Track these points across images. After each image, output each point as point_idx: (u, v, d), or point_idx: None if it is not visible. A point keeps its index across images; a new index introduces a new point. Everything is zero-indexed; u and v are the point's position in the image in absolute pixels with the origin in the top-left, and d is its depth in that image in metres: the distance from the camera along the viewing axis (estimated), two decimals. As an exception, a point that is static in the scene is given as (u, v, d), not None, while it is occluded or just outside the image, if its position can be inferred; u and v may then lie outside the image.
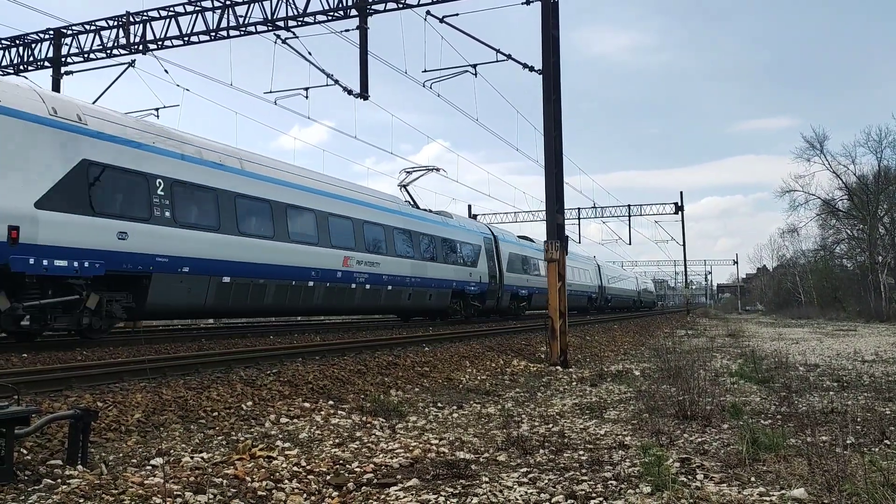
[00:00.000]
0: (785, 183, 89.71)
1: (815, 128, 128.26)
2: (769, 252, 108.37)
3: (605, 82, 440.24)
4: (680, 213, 54.52)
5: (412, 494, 4.62)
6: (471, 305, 27.68)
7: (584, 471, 5.24)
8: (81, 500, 4.28)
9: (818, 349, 18.33)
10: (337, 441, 6.41)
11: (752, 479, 4.92)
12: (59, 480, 4.66)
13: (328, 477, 5.05)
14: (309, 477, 5.03)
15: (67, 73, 21.68)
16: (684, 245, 61.05)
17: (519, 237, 36.94)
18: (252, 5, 18.82)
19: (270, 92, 19.70)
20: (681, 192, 56.59)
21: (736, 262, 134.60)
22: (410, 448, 6.01)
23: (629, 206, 54.50)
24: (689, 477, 4.99)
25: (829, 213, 59.53)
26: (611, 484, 4.83)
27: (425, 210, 26.47)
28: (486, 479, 4.98)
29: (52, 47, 21.48)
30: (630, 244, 58.18)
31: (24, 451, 5.20)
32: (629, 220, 54.37)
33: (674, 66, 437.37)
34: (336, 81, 18.86)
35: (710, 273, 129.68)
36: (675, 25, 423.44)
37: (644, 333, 27.83)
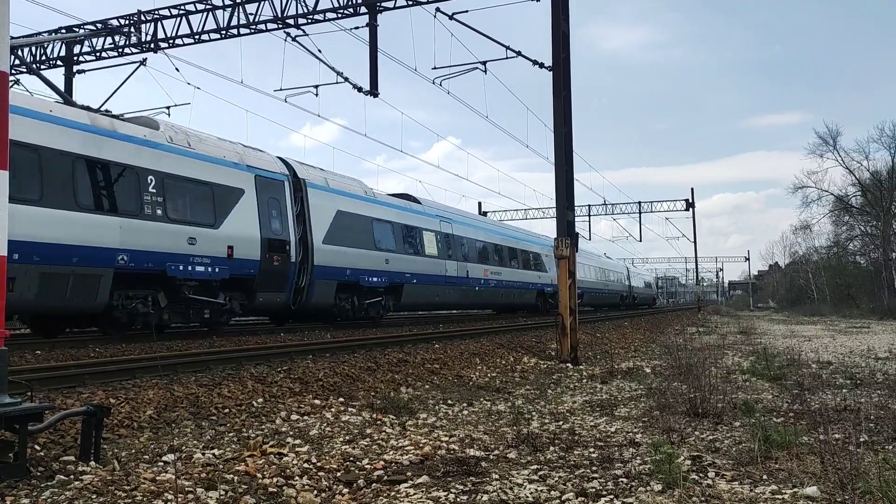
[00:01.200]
0: (797, 179, 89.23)
1: (828, 123, 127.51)
2: (781, 249, 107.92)
3: (616, 78, 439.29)
4: (691, 209, 54.36)
5: (422, 491, 4.62)
6: (195, 302, 14.81)
7: (594, 468, 5.23)
8: (94, 496, 4.31)
9: (831, 346, 18.21)
10: (347, 438, 6.42)
11: (765, 477, 4.89)
12: (71, 476, 4.69)
13: (338, 474, 5.06)
14: (319, 474, 5.05)
15: (80, 71, 21.83)
16: (695, 242, 60.96)
17: (392, 195, 23.84)
18: (262, 3, 18.88)
19: (280, 90, 19.77)
20: (692, 189, 56.55)
21: (748, 259, 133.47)
22: (420, 445, 6.02)
23: (640, 202, 54.35)
24: (701, 475, 4.96)
25: (842, 209, 59.16)
26: (621, 481, 4.82)
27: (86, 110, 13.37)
28: (497, 477, 4.97)
29: (64, 46, 21.62)
30: (641, 241, 57.88)
31: (38, 448, 5.24)
32: (640, 216, 54.25)
33: (685, 62, 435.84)
34: (346, 79, 18.90)
35: (722, 270, 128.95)
36: (687, 21, 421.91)
37: (655, 331, 27.74)
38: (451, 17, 17.74)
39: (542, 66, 17.14)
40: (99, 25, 20.91)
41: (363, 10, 18.06)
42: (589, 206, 54.82)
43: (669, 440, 6.10)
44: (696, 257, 65.48)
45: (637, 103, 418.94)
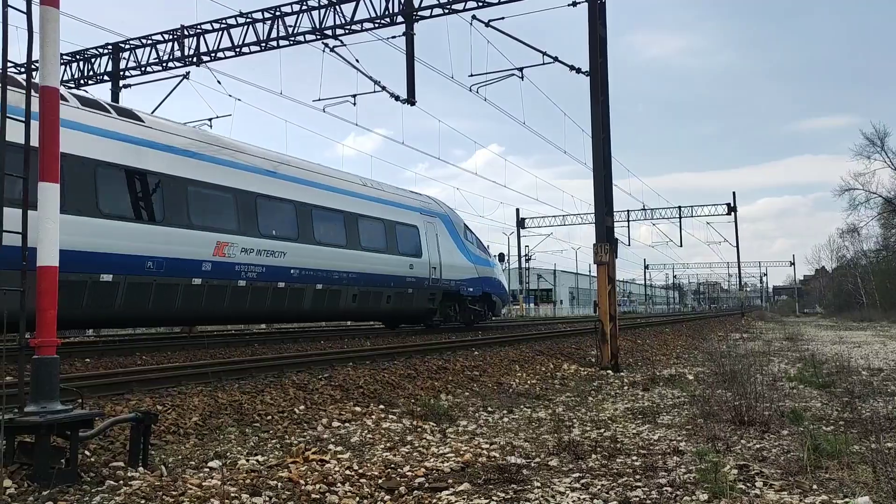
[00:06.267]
0: (844, 181, 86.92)
1: (875, 124, 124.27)
2: (828, 253, 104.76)
3: (659, 85, 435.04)
4: (733, 213, 53.45)
5: (464, 499, 4.62)
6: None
7: (637, 477, 5.17)
8: (143, 502, 4.40)
9: (882, 353, 17.70)
10: (388, 445, 6.44)
11: (814, 486, 4.78)
12: (121, 482, 4.79)
13: (380, 481, 5.08)
14: (361, 480, 5.07)
15: (125, 86, 22.36)
16: (738, 246, 59.58)
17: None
18: (301, 15, 19.16)
19: (319, 100, 20.03)
20: (733, 193, 55.36)
21: (793, 264, 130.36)
22: (461, 452, 6.01)
23: (680, 207, 53.71)
24: (748, 484, 4.87)
25: (891, 211, 57.54)
26: (666, 490, 4.75)
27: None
28: (538, 484, 4.95)
29: (110, 61, 22.19)
30: (681, 246, 56.73)
31: (88, 453, 5.36)
32: (680, 221, 53.56)
33: (730, 67, 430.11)
34: (383, 88, 19.04)
35: (766, 275, 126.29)
36: (730, 27, 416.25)
37: (697, 337, 27.30)
38: (487, 24, 17.75)
39: (579, 71, 17.04)
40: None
41: (400, 19, 18.18)
42: (628, 211, 54.39)
43: (715, 448, 6.00)
44: (738, 262, 64.25)
45: (680, 109, 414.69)
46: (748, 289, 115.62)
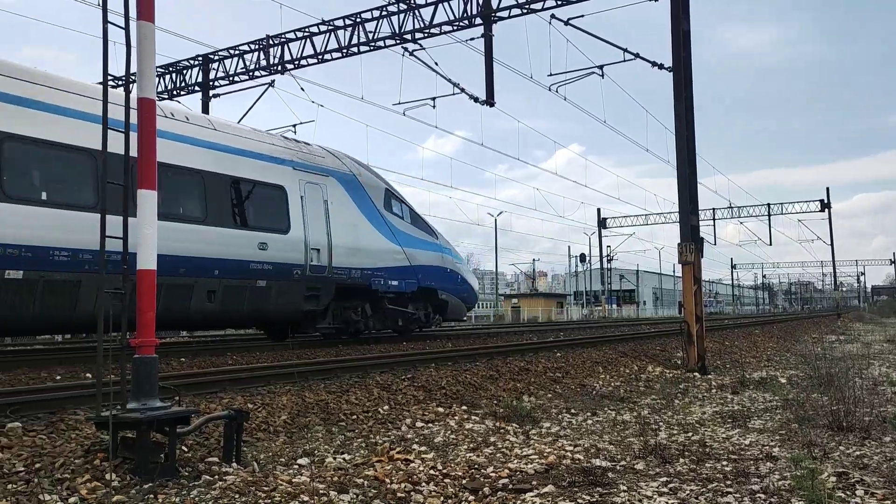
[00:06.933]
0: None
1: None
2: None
3: (745, 79, 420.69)
4: (826, 210, 51.12)
5: (548, 501, 4.59)
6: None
7: (728, 482, 5.01)
8: (237, 496, 4.57)
9: None
10: (471, 446, 6.47)
11: (921, 497, 4.52)
12: (216, 476, 4.99)
13: (464, 481, 5.11)
14: (445, 480, 5.11)
15: (215, 95, 23.24)
16: (832, 244, 56.84)
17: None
18: (380, 21, 19.46)
19: (399, 103, 20.28)
20: (827, 189, 52.87)
21: (893, 262, 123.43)
22: (545, 454, 5.98)
23: (769, 204, 51.74)
24: (848, 493, 4.65)
25: None
26: (759, 497, 4.59)
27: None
28: (625, 488, 4.87)
29: (201, 72, 23.12)
30: (770, 245, 54.48)
31: (185, 449, 5.61)
32: (769, 219, 51.62)
33: (820, 58, 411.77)
34: (462, 90, 19.13)
35: (863, 274, 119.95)
36: (819, 16, 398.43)
37: (789, 339, 26.21)
38: (566, 23, 17.58)
39: (661, 67, 16.67)
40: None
41: (478, 21, 18.22)
42: (713, 209, 52.85)
43: (811, 455, 5.76)
44: (833, 261, 61.35)
45: (767, 103, 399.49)
46: (844, 289, 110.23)
